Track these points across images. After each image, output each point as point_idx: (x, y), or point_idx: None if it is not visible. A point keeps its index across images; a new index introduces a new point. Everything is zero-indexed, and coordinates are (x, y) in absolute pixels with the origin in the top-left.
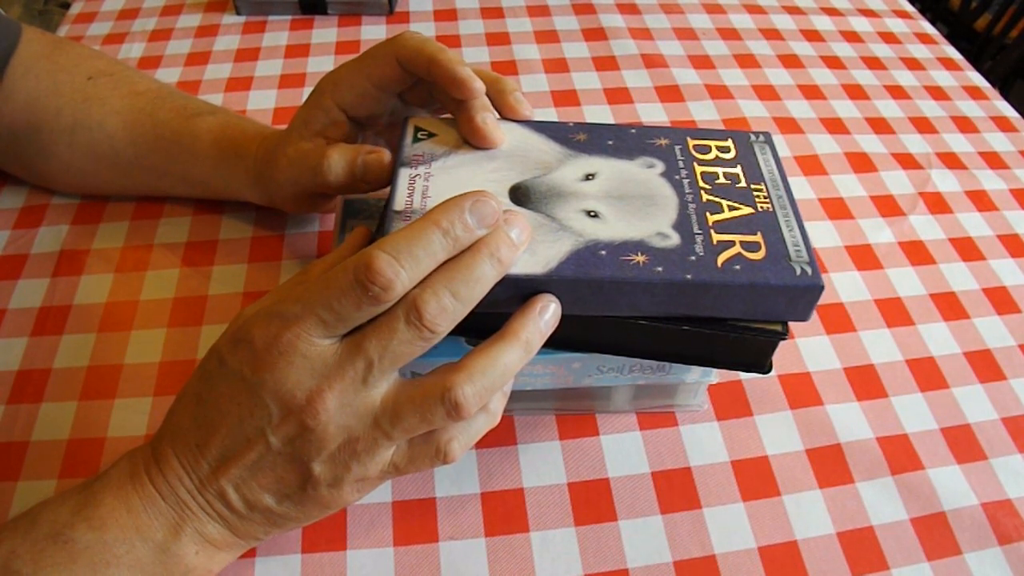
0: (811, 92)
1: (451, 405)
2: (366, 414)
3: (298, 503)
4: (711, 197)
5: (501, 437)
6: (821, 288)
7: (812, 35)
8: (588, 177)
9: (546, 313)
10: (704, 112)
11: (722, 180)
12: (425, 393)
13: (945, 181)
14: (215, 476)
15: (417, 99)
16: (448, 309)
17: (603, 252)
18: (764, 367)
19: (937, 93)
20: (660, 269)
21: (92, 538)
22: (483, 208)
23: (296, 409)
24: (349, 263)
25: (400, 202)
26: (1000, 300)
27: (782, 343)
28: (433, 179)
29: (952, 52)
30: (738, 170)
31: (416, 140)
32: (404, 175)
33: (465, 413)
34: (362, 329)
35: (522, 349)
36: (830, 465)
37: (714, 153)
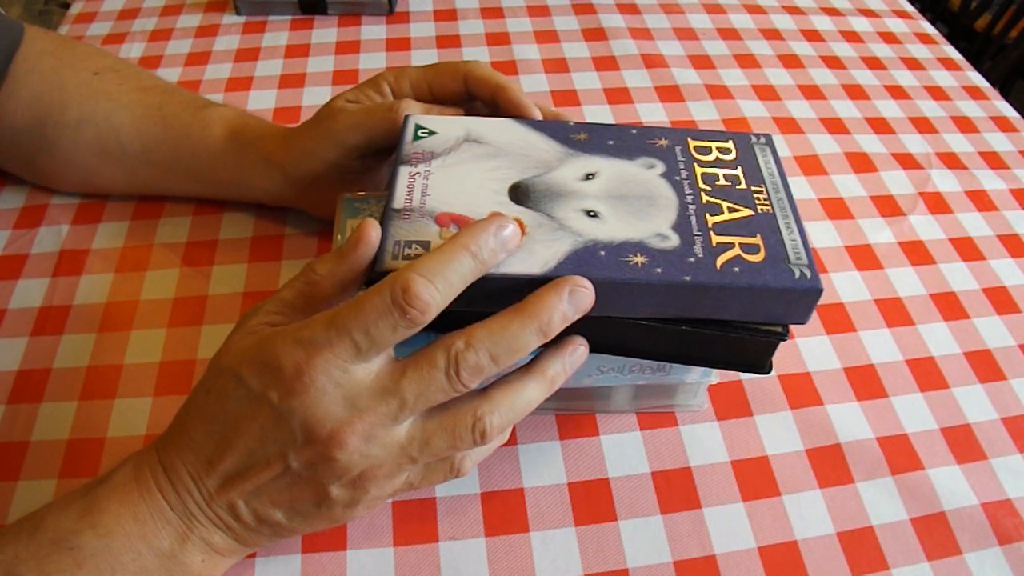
0: (811, 92)
1: (479, 433)
2: (392, 445)
3: (309, 519)
4: (711, 198)
5: None
6: (820, 291)
7: (812, 35)
8: (588, 177)
9: (575, 354)
10: (704, 112)
11: (722, 181)
12: (456, 422)
13: (945, 181)
14: (226, 490)
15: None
16: (484, 370)
17: (602, 252)
18: (764, 368)
19: (937, 93)
20: (659, 270)
21: (98, 545)
22: (505, 232)
23: (323, 438)
24: (383, 287)
25: (399, 200)
26: (1000, 300)
27: (782, 343)
28: (433, 177)
29: (952, 52)
30: (739, 172)
31: (416, 138)
32: (404, 173)
33: (489, 439)
34: (401, 368)
35: (547, 385)
36: (830, 465)
37: (715, 154)
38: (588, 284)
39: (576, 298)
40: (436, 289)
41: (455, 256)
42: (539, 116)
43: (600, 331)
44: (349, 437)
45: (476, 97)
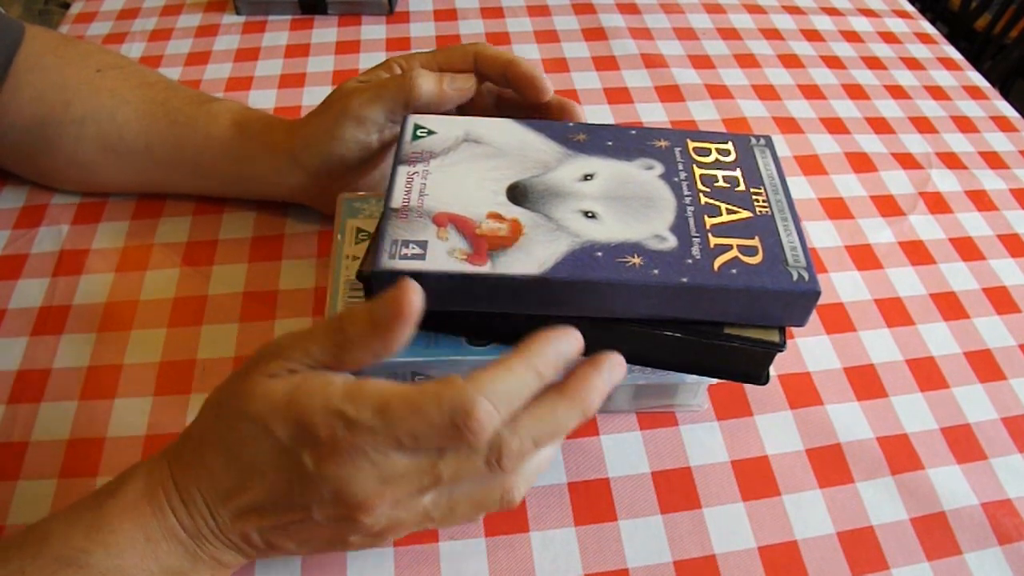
0: (811, 92)
1: (505, 504)
2: (417, 509)
3: (320, 550)
4: (710, 200)
5: None
6: (818, 294)
7: (812, 35)
8: (587, 177)
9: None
10: (704, 112)
11: (721, 183)
12: (484, 495)
13: (945, 181)
14: (242, 522)
15: (478, 107)
16: (526, 455)
17: (599, 253)
18: (761, 378)
19: (937, 93)
20: (656, 272)
21: (110, 565)
22: (570, 346)
23: (352, 504)
24: (444, 401)
25: (397, 200)
26: (1000, 300)
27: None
28: (431, 177)
29: (952, 52)
30: (737, 173)
31: (415, 138)
32: (402, 173)
33: (513, 507)
34: (440, 452)
35: (559, 442)
36: (830, 465)
37: (714, 156)
38: (622, 360)
39: (614, 374)
40: (498, 414)
41: (523, 379)
42: (550, 88)
43: (597, 337)
44: (378, 506)
45: (486, 77)
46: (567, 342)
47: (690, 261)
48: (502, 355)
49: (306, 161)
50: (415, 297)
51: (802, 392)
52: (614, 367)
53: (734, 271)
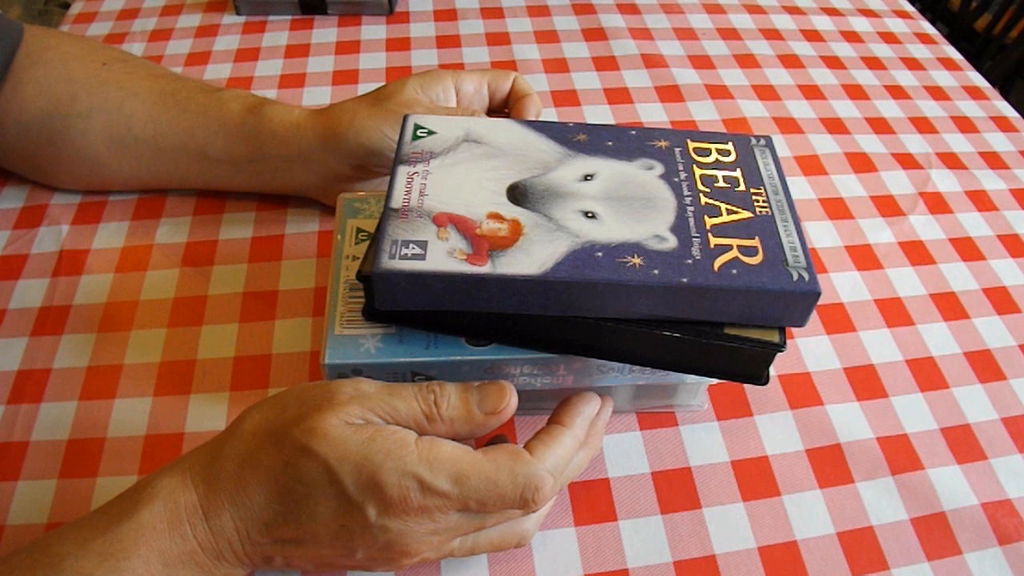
0: (811, 92)
1: (518, 547)
2: (445, 551)
3: (332, 569)
4: (710, 200)
5: None
6: (818, 294)
7: (812, 35)
8: (587, 178)
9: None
10: (704, 112)
11: (721, 183)
12: (503, 541)
13: (945, 181)
14: (273, 548)
15: None
16: (552, 496)
17: (599, 254)
18: (761, 378)
19: (937, 93)
20: (656, 272)
21: None
22: (594, 408)
23: (400, 552)
24: (518, 476)
25: (398, 200)
26: (1000, 300)
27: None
28: (431, 177)
29: (952, 52)
30: (738, 174)
31: (415, 138)
32: (402, 172)
33: (525, 544)
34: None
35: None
36: (830, 465)
37: (714, 156)
38: (610, 399)
39: (609, 412)
40: (559, 486)
41: (572, 449)
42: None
43: (597, 337)
44: (424, 553)
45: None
46: (593, 405)
47: (690, 261)
48: (548, 427)
49: (345, 145)
50: (514, 401)
51: (802, 392)
52: (610, 406)
53: (734, 271)
